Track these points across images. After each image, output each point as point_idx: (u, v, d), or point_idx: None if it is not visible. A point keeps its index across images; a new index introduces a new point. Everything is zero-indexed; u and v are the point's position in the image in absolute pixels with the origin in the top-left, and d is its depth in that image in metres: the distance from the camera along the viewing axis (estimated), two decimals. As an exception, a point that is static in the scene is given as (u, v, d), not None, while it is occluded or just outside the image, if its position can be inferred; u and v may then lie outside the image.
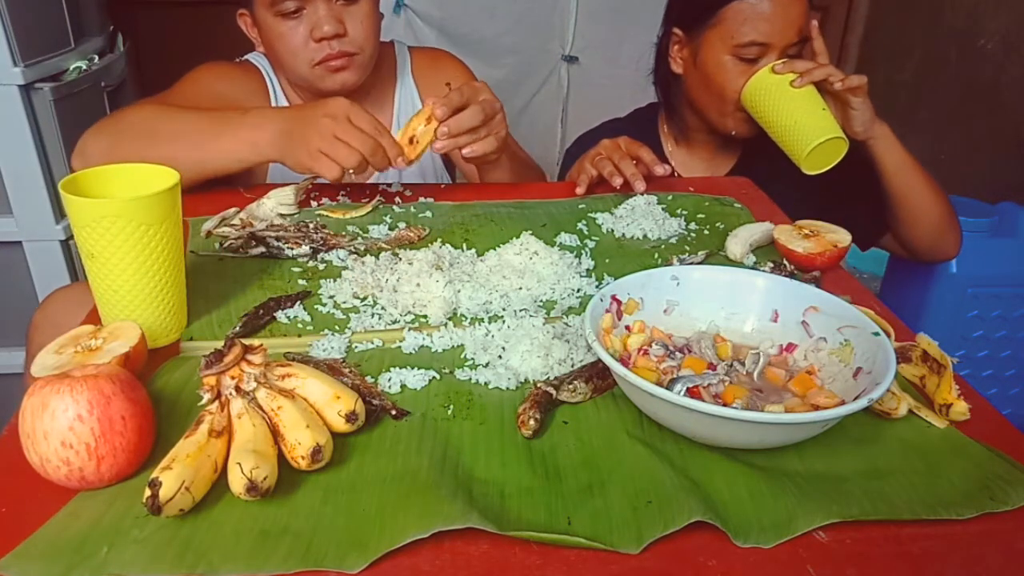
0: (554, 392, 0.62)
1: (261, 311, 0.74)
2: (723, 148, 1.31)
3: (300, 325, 0.73)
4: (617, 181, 1.04)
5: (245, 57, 1.25)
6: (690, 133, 1.31)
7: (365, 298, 0.78)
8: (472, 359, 0.69)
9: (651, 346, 0.66)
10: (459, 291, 0.76)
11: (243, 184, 1.04)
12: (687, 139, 1.33)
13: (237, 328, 0.71)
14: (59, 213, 1.52)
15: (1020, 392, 1.55)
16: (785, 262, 0.87)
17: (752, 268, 0.86)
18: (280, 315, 0.74)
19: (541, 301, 0.79)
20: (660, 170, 1.06)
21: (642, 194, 1.03)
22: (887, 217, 1.19)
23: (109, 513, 0.51)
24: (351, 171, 0.90)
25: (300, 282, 0.81)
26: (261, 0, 1.09)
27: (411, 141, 0.95)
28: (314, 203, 1.01)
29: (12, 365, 1.58)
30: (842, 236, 0.87)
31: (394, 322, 0.74)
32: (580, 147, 1.26)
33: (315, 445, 0.53)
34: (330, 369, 0.64)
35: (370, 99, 1.24)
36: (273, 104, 1.21)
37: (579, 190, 1.07)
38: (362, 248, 0.88)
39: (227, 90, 1.16)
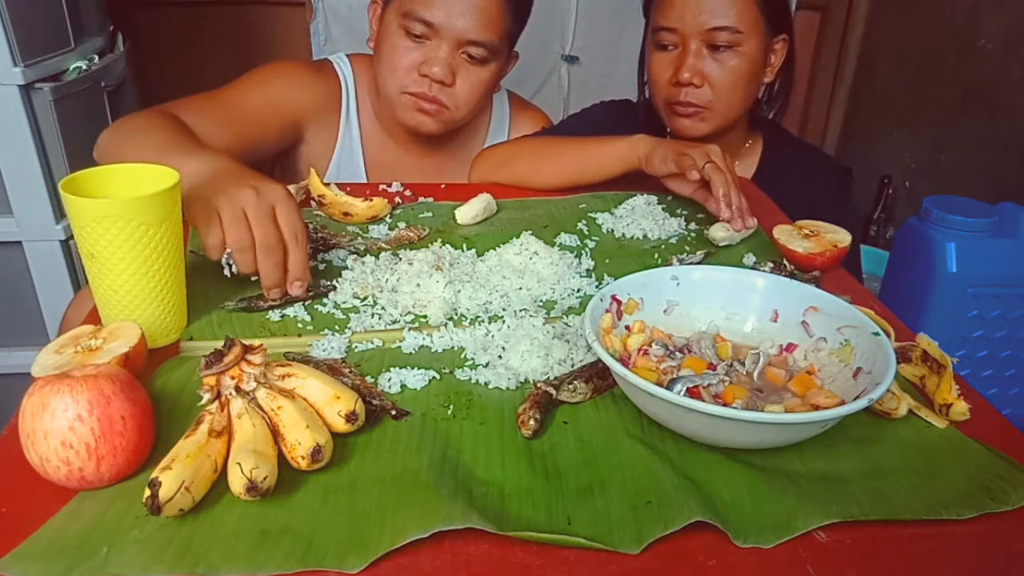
0: (554, 392, 0.62)
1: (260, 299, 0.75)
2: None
3: (300, 325, 0.73)
4: (732, 220, 0.87)
5: (327, 57, 1.22)
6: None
7: (365, 298, 0.78)
8: (472, 359, 0.69)
9: (651, 346, 0.66)
10: (459, 291, 0.76)
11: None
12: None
13: (234, 304, 0.74)
14: (59, 213, 1.52)
15: (1020, 392, 1.55)
16: (785, 262, 0.87)
17: (752, 268, 0.86)
18: (277, 314, 0.74)
19: (541, 301, 0.79)
20: (753, 222, 0.90)
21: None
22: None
23: (109, 513, 0.51)
24: (231, 263, 0.72)
25: (300, 282, 0.81)
26: (398, 6, 1.06)
27: (344, 215, 0.96)
28: (314, 203, 1.01)
29: (12, 365, 1.58)
30: (842, 236, 0.87)
31: (394, 322, 0.74)
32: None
33: (315, 445, 0.53)
34: (330, 369, 0.64)
35: (457, 148, 1.22)
36: (343, 111, 1.19)
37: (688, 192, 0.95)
38: (362, 248, 0.88)
39: (289, 96, 1.12)
